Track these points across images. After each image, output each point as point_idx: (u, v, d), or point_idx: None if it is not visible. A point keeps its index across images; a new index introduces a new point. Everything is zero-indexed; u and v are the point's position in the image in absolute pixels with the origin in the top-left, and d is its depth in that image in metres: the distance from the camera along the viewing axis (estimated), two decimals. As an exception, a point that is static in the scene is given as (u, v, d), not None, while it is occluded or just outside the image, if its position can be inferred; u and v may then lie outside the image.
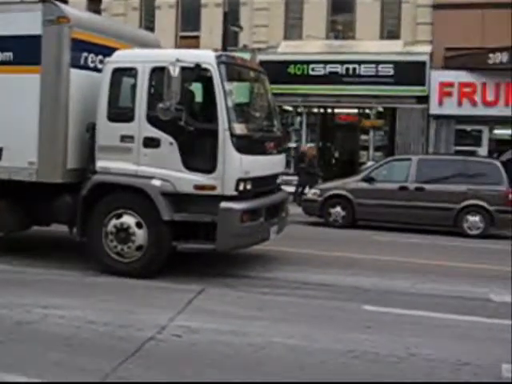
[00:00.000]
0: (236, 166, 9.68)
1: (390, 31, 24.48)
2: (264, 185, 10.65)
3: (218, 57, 9.98)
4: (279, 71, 22.88)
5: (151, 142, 9.92)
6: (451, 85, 22.50)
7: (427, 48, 23.07)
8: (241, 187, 9.78)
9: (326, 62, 23.48)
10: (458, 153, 21.58)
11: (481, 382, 6.11)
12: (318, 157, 22.82)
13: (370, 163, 21.79)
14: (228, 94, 9.79)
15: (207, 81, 9.89)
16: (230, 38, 22.80)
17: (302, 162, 21.86)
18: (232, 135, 9.60)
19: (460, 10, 22.42)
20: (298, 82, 23.54)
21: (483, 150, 22.65)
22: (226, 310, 8.41)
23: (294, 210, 16.92)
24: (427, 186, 17.25)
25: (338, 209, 17.76)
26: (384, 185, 17.69)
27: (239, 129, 9.77)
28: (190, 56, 9.86)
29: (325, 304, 8.93)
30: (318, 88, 23.33)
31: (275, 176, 11.26)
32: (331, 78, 23.25)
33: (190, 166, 9.78)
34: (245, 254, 11.73)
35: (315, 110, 24.95)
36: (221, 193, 9.70)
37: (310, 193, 18.62)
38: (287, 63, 23.74)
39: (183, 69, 9.39)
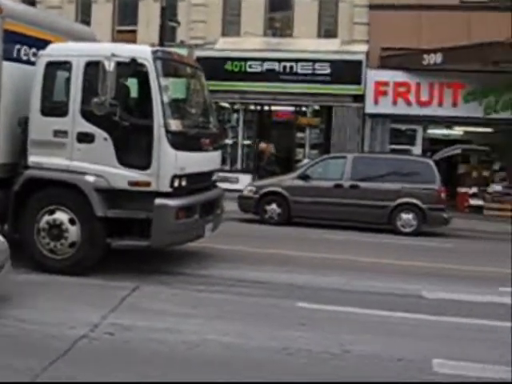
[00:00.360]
0: (171, 162, 9.61)
1: (327, 30, 24.63)
2: (199, 181, 10.61)
3: (154, 52, 9.88)
4: (216, 68, 22.83)
5: (85, 137, 9.77)
6: (386, 84, 22.76)
7: (363, 47, 23.28)
8: (176, 184, 9.71)
9: (263, 60, 23.50)
10: (392, 151, 21.91)
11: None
12: (275, 154, 22.97)
13: (305, 161, 21.92)
14: (164, 90, 9.71)
15: (143, 76, 9.79)
16: (167, 33, 22.62)
17: (261, 160, 21.94)
18: (167, 131, 9.53)
19: (396, 11, 22.69)
20: (236, 78, 23.51)
21: (417, 149, 22.98)
22: (160, 307, 8.34)
23: (230, 206, 16.92)
24: (362, 184, 17.43)
25: (274, 206, 17.80)
26: (319, 182, 17.80)
27: (175, 125, 9.70)
28: (126, 51, 9.75)
29: (260, 301, 8.95)
30: (255, 85, 23.35)
31: (211, 173, 11.23)
32: (268, 76, 23.29)
33: (124, 161, 9.66)
34: (180, 250, 11.65)
35: (252, 107, 24.95)
36: (156, 189, 9.62)
37: (246, 190, 18.59)
38: (225, 60, 23.68)
39: (118, 63, 9.29)
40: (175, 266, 10.93)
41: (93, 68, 9.63)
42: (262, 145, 24.00)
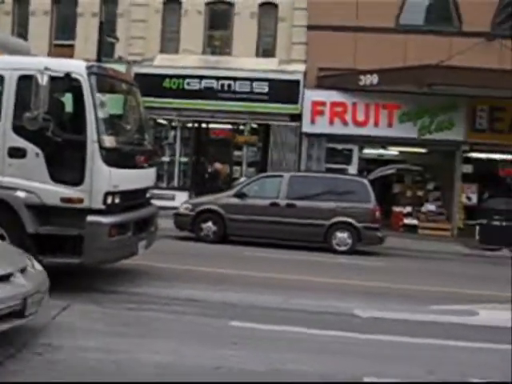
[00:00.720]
0: (104, 179, 9.51)
1: (265, 49, 24.78)
2: (133, 198, 10.52)
3: (88, 67, 9.78)
4: (155, 84, 22.79)
5: (17, 152, 9.59)
6: (323, 104, 22.97)
7: (301, 67, 23.48)
8: (109, 201, 9.61)
9: (201, 77, 23.49)
10: (328, 170, 22.05)
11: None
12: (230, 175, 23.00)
13: (242, 179, 21.95)
14: (98, 106, 9.61)
15: (77, 91, 9.67)
16: (105, 49, 22.48)
17: (215, 181, 21.87)
18: (101, 147, 9.43)
19: (333, 31, 22.96)
20: (174, 95, 23.45)
21: (353, 169, 23.21)
22: (91, 326, 8.18)
23: (166, 224, 16.81)
24: (298, 203, 17.52)
25: (210, 224, 17.74)
26: (255, 201, 17.83)
27: (108, 141, 9.60)
28: (60, 65, 9.64)
29: (193, 320, 8.87)
30: (193, 103, 23.34)
31: (145, 190, 11.15)
32: (206, 93, 23.30)
33: (56, 177, 9.52)
34: (113, 268, 11.49)
35: (190, 125, 24.88)
36: (88, 206, 9.50)
37: (182, 207, 18.49)
38: (163, 76, 23.60)
39: (52, 78, 9.16)
40: (108, 284, 10.77)
41: (26, 82, 9.46)
42: (218, 165, 23.98)
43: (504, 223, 19.32)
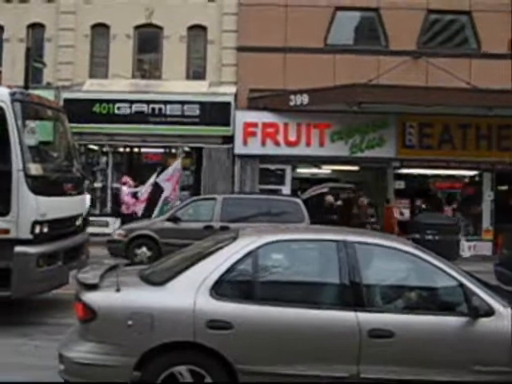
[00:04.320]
0: (31, 208, 9.31)
1: (195, 72, 24.75)
2: (63, 227, 10.31)
3: (12, 94, 9.60)
4: (84, 110, 22.55)
5: None
6: (255, 125, 23.01)
7: (232, 89, 23.52)
8: (37, 230, 9.41)
9: (131, 102, 23.29)
10: (262, 191, 22.06)
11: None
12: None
13: (176, 203, 21.78)
14: (23, 133, 9.44)
15: (0, 119, 9.46)
16: (33, 75, 22.16)
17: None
18: (27, 176, 9.25)
19: (263, 53, 23.11)
20: (104, 120, 23.16)
21: (286, 189, 23.27)
22: (22, 361, 7.98)
23: (100, 251, 16.55)
24: (232, 225, 17.36)
25: (144, 249, 17.52)
26: (189, 224, 17.65)
27: (35, 169, 9.42)
28: (-17, 92, 9.43)
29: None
30: (124, 127, 23.10)
31: (75, 217, 10.95)
32: (137, 118, 23.11)
33: (-19, 208, 9.28)
34: (43, 299, 11.21)
35: (121, 150, 24.68)
36: (15, 236, 9.30)
37: (115, 233, 18.22)
38: (92, 102, 23.30)
39: (-25, 106, 8.96)
40: (38, 316, 10.51)
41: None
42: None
43: (436, 237, 19.56)
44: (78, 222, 11.19)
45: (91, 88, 23.82)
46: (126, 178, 21.50)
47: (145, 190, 20.66)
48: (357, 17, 24.49)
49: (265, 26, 22.85)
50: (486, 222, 23.55)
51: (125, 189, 20.97)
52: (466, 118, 22.46)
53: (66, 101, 21.96)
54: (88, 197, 15.11)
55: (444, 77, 21.36)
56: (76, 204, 10.98)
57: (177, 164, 21.34)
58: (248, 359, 6.08)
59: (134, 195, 20.51)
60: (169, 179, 20.86)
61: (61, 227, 10.23)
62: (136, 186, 21.17)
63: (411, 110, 21.86)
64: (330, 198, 21.67)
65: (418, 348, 6.17)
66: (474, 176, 24.24)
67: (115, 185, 23.68)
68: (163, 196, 20.46)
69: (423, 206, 23.65)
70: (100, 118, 23.18)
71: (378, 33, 23.77)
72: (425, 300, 6.62)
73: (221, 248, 6.65)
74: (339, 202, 22.39)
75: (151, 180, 21.00)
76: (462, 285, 6.39)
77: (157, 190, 20.72)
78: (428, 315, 6.32)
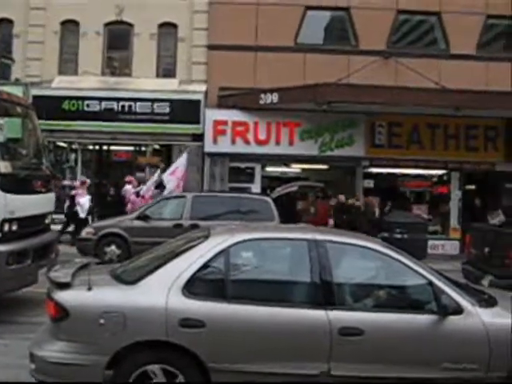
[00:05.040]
0: (0, 205, 9.22)
1: (166, 70, 24.65)
2: (32, 225, 10.24)
3: (-21, 91, 9.52)
4: (53, 107, 22.35)
5: None
6: (225, 123, 22.98)
7: (202, 87, 23.47)
8: (6, 228, 9.35)
9: (101, 99, 23.12)
10: (232, 190, 22.04)
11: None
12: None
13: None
14: (-9, 130, 9.35)
15: (-32, 116, 9.40)
16: (1, 71, 21.95)
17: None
18: (-5, 173, 9.16)
19: (233, 51, 23.09)
20: (73, 118, 22.96)
21: (256, 187, 23.30)
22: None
23: (70, 249, 16.50)
24: (202, 223, 17.31)
25: (113, 247, 17.43)
26: (159, 222, 17.60)
27: (3, 167, 9.37)
28: (-50, 90, 9.34)
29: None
30: (94, 124, 22.91)
31: (44, 215, 10.88)
32: (107, 115, 22.94)
33: (-51, 207, 9.20)
34: (12, 297, 11.13)
35: (90, 147, 24.50)
36: (-16, 234, 9.21)
37: (84, 232, 18.11)
38: (62, 99, 23.10)
39: None
40: (7, 315, 10.41)
41: None
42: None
43: (405, 236, 19.72)
44: (48, 220, 11.12)
45: (60, 85, 23.61)
46: (130, 177, 21.49)
47: (147, 188, 20.56)
48: (327, 16, 24.58)
49: (235, 24, 22.84)
50: (454, 221, 23.80)
51: (129, 188, 20.93)
52: (435, 117, 22.66)
53: (35, 97, 21.75)
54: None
55: (413, 77, 21.55)
56: (45, 202, 10.92)
57: (182, 159, 21.26)
58: (220, 357, 6.12)
59: (138, 194, 20.39)
60: (172, 173, 20.84)
61: (30, 225, 10.16)
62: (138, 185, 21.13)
63: (380, 109, 21.98)
64: (341, 198, 21.55)
65: (387, 345, 6.25)
66: (442, 175, 24.48)
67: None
68: (165, 192, 20.31)
69: (391, 205, 23.78)
70: (69, 115, 22.97)
71: (348, 32, 23.88)
72: (395, 298, 6.69)
73: (193, 247, 6.67)
74: (357, 202, 22.24)
75: (154, 177, 21.00)
76: (431, 283, 6.48)
77: (162, 186, 20.73)
78: (398, 313, 6.40)
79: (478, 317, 6.36)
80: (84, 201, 21.21)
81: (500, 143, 23.35)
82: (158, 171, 21.42)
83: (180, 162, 21.20)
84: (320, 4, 23.54)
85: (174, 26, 24.33)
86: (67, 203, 21.69)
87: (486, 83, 22.13)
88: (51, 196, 11.38)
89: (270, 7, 22.99)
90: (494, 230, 13.41)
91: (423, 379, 6.24)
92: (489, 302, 6.68)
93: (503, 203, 23.86)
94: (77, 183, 22.23)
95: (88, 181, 22.18)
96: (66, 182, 23.55)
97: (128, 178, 21.40)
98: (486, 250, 12.05)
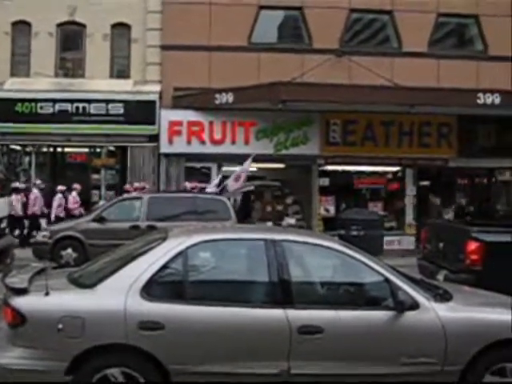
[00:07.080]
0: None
1: (120, 70, 24.49)
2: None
3: None
4: (6, 109, 22.15)
5: None
6: (180, 124, 22.92)
7: (156, 87, 23.36)
8: (-40, 234, 9.22)
9: (54, 101, 22.86)
10: (188, 190, 21.97)
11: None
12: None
13: (101, 202, 21.60)
14: None
15: None
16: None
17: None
18: None
19: (187, 51, 23.01)
20: (26, 120, 22.62)
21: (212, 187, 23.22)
22: None
23: (26, 253, 16.33)
24: (159, 224, 17.28)
25: (70, 250, 17.27)
26: (115, 224, 17.49)
27: (-43, 172, 9.23)
28: None
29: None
30: (47, 127, 22.63)
31: (-1, 220, 10.77)
32: (61, 117, 22.68)
33: None
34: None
35: (45, 150, 24.23)
36: None
37: (40, 235, 17.92)
38: (14, 101, 22.76)
39: None
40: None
41: None
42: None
43: (361, 232, 19.94)
44: (3, 225, 10.99)
45: (13, 87, 23.30)
46: (193, 184, 21.36)
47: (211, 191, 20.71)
48: (281, 15, 24.67)
49: (189, 24, 22.74)
50: (409, 217, 24.07)
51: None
52: (389, 115, 22.89)
53: (-12, 100, 21.51)
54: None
55: (367, 75, 21.69)
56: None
57: (246, 165, 21.30)
58: (180, 359, 6.13)
59: None
60: (236, 179, 21.00)
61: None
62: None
63: (335, 107, 22.15)
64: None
65: (347, 342, 6.32)
66: (396, 172, 24.75)
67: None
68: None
69: (347, 202, 23.98)
70: (22, 117, 22.66)
71: (302, 31, 23.96)
72: (352, 295, 6.78)
73: (151, 249, 6.67)
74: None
75: (215, 181, 21.63)
76: (387, 280, 6.57)
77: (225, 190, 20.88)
78: (356, 310, 6.48)
79: (434, 311, 6.46)
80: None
81: (453, 139, 23.66)
82: (220, 175, 21.86)
83: (244, 168, 21.12)
84: (273, 3, 23.60)
85: (128, 26, 24.17)
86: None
87: (437, 80, 22.46)
88: (4, 201, 11.25)
89: (223, 7, 22.96)
90: (449, 226, 13.62)
91: (383, 375, 6.33)
92: (444, 297, 6.80)
93: (456, 198, 24.29)
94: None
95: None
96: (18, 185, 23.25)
97: (192, 184, 21.25)
98: (441, 245, 12.21)
